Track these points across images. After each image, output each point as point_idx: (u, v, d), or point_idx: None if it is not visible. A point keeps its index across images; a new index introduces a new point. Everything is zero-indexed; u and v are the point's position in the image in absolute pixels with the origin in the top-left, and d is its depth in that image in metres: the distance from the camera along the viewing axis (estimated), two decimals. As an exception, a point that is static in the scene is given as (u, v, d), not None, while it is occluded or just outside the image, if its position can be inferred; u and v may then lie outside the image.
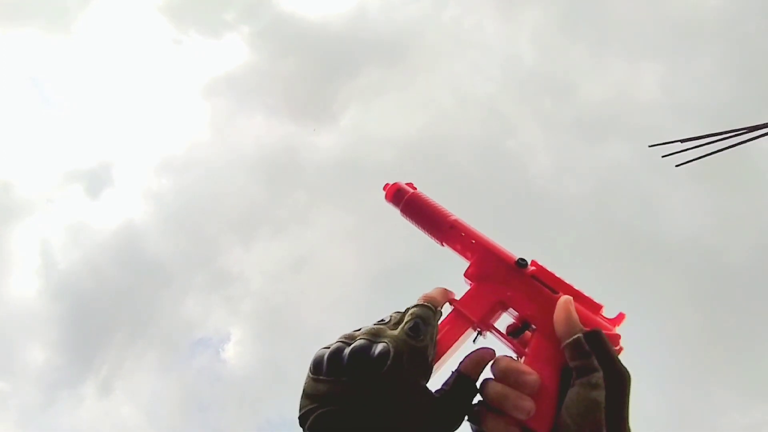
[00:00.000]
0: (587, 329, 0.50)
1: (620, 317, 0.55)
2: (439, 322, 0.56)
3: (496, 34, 9.65)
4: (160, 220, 9.84)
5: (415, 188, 0.71)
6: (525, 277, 0.58)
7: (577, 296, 0.55)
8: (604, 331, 0.50)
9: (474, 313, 0.58)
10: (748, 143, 3.58)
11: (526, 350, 0.55)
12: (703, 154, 3.61)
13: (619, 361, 0.48)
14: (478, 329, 0.58)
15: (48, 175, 10.69)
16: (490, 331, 0.59)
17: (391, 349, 0.49)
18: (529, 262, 0.59)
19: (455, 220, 0.65)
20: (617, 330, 0.53)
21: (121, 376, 8.96)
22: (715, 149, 3.60)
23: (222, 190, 9.76)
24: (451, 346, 0.56)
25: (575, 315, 0.52)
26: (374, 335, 0.51)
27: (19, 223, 9.84)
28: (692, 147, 3.61)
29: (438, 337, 0.55)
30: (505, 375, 0.51)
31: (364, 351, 0.49)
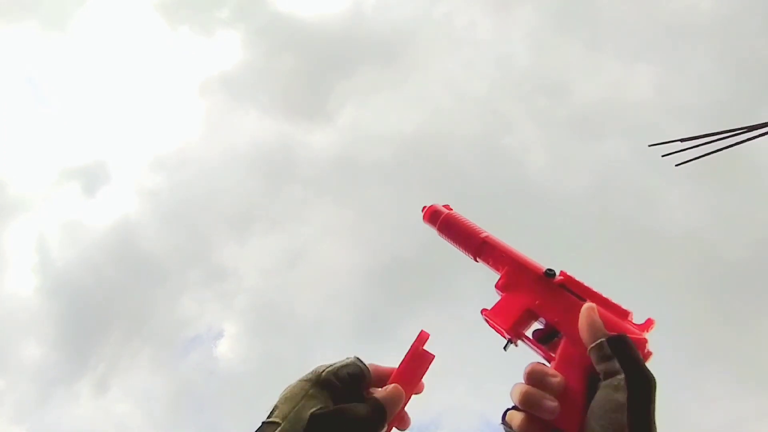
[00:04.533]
0: (611, 334, 0.50)
1: (648, 323, 0.54)
2: None
3: (490, 31, 9.64)
4: (156, 218, 9.83)
5: (451, 209, 0.74)
6: (553, 287, 0.60)
7: (605, 303, 0.56)
8: (630, 336, 0.50)
9: (503, 322, 0.60)
10: (746, 142, 3.58)
11: (554, 355, 0.55)
12: (703, 153, 3.62)
13: (644, 365, 0.48)
14: (509, 338, 0.60)
15: (44, 172, 10.65)
16: (521, 339, 0.60)
17: None
18: (557, 273, 0.61)
19: (486, 237, 0.68)
20: (646, 335, 0.53)
21: (117, 374, 8.94)
22: (714, 149, 3.61)
23: (217, 187, 9.75)
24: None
25: (598, 320, 0.52)
26: None
27: (15, 221, 9.81)
28: (692, 146, 3.61)
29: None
30: (531, 377, 0.52)
31: None
